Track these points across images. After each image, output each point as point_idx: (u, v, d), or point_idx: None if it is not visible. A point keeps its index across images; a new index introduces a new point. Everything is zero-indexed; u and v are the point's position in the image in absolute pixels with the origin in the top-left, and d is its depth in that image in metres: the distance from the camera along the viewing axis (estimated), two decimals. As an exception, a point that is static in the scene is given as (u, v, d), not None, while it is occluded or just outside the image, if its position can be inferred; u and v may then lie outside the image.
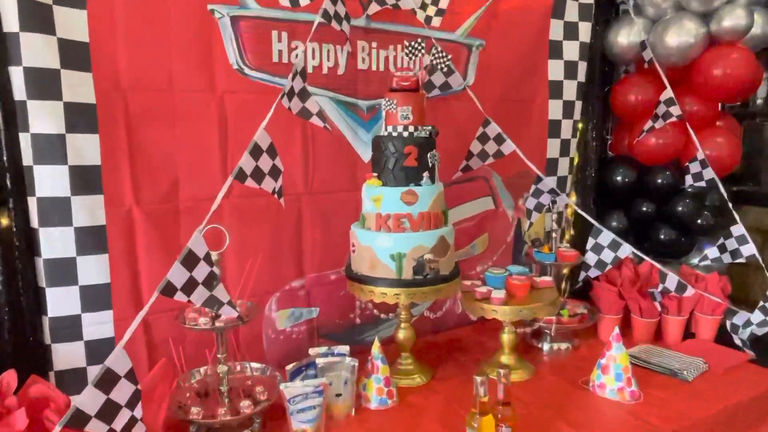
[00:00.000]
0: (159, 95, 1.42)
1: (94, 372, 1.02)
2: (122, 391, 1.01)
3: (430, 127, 1.47)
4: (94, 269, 1.37)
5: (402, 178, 1.44)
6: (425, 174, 1.43)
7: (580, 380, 1.56)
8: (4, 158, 1.23)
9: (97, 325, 1.40)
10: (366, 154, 1.73)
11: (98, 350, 1.39)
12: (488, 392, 1.11)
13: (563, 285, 2.12)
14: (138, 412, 1.05)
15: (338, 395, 1.40)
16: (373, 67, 1.72)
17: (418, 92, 1.47)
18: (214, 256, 1.19)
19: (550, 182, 1.90)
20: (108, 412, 0.98)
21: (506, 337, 1.63)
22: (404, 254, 1.42)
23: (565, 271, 2.02)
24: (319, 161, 1.67)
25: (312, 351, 1.49)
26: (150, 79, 1.40)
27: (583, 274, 1.89)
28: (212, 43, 1.46)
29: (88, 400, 0.94)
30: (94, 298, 1.38)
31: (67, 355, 1.38)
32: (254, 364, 1.48)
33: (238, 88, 1.52)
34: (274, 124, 1.25)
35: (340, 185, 1.72)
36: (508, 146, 1.75)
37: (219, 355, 1.33)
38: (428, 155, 1.43)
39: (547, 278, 1.72)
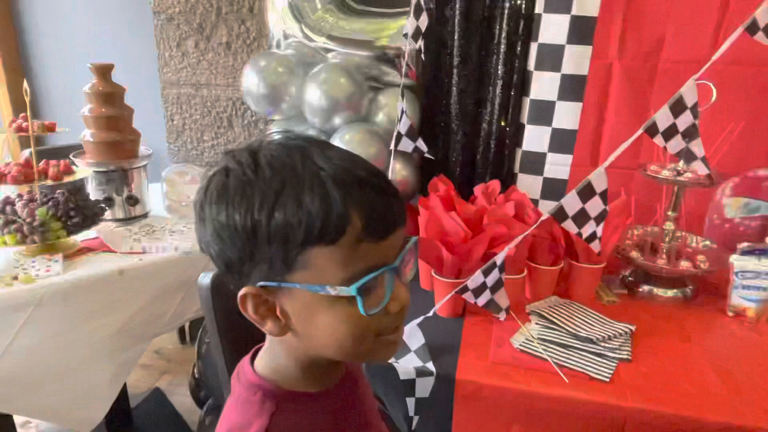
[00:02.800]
0: None
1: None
2: (594, 205, 1.27)
3: None
4: (567, 115, 1.62)
5: None
6: None
7: None
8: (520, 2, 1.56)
9: (558, 165, 1.70)
10: None
11: (552, 187, 1.71)
12: None
13: None
14: (600, 228, 1.31)
15: None
16: None
17: None
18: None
19: None
20: (581, 217, 1.26)
21: None
22: None
23: None
24: None
25: None
26: None
27: None
28: None
29: (570, 202, 1.24)
30: (561, 141, 1.67)
31: (526, 186, 1.71)
32: (699, 237, 1.54)
33: None
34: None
35: None
36: None
37: (669, 213, 1.45)
38: None
39: None
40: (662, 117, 1.23)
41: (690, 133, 1.26)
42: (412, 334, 1.24)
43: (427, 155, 1.54)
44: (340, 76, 1.71)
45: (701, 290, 1.48)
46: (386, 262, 0.54)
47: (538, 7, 1.48)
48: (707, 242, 1.54)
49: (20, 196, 1.50)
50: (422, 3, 1.45)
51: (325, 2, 1.86)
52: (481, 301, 1.29)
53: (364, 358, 0.69)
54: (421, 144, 1.49)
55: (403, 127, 1.46)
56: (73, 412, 1.53)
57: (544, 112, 1.62)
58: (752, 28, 1.18)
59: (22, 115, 1.50)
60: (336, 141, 1.74)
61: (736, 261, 1.34)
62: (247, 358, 0.69)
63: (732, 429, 0.99)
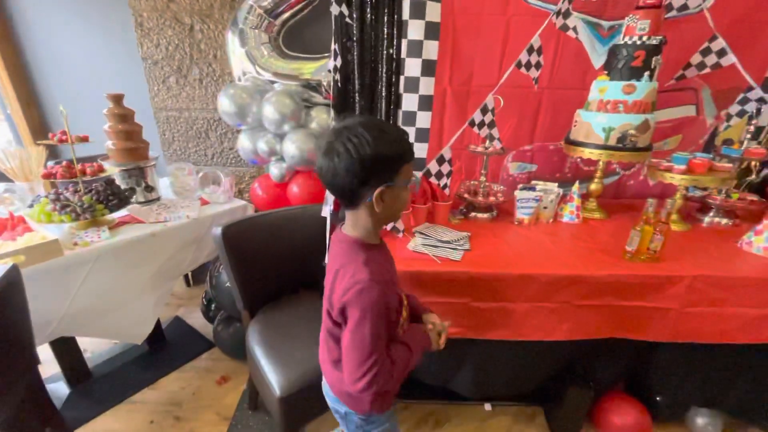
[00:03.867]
0: (473, 17, 1.57)
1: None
2: (445, 168, 1.41)
3: (661, 37, 1.34)
4: (423, 119, 1.71)
5: (627, 75, 1.37)
6: (646, 73, 1.34)
7: (732, 240, 1.35)
8: (392, 53, 1.64)
9: (420, 150, 1.78)
10: (597, 62, 1.64)
11: (418, 163, 1.82)
12: (654, 212, 1.19)
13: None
14: (449, 181, 1.44)
15: (545, 207, 1.54)
16: (623, -7, 1.52)
17: (660, 9, 1.32)
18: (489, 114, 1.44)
19: (760, 91, 1.52)
20: (438, 175, 1.38)
21: (676, 202, 1.47)
22: (614, 128, 1.39)
23: (752, 165, 1.57)
24: (562, 65, 1.65)
25: (534, 182, 1.63)
26: (471, 6, 1.56)
27: (765, 171, 1.56)
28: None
29: (432, 167, 1.36)
30: (421, 135, 1.75)
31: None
32: (496, 184, 1.72)
33: (521, 12, 1.56)
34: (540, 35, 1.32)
35: (572, 84, 1.67)
36: (728, 60, 1.48)
37: (482, 171, 1.60)
38: (653, 59, 1.33)
39: (727, 164, 1.43)
40: (477, 116, 1.41)
41: (491, 125, 1.45)
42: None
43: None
44: (285, 98, 1.70)
45: (501, 213, 1.63)
46: None
47: (403, 54, 1.56)
48: (502, 187, 1.67)
49: (66, 188, 1.37)
50: (337, 50, 1.48)
51: (269, 50, 1.82)
52: (389, 227, 1.39)
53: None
54: (343, 139, 1.55)
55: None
56: (128, 330, 1.47)
57: (410, 119, 1.69)
58: (518, 64, 1.36)
59: (60, 130, 1.35)
60: (287, 141, 1.75)
61: (518, 193, 1.50)
62: (340, 230, 0.81)
63: (524, 277, 1.15)
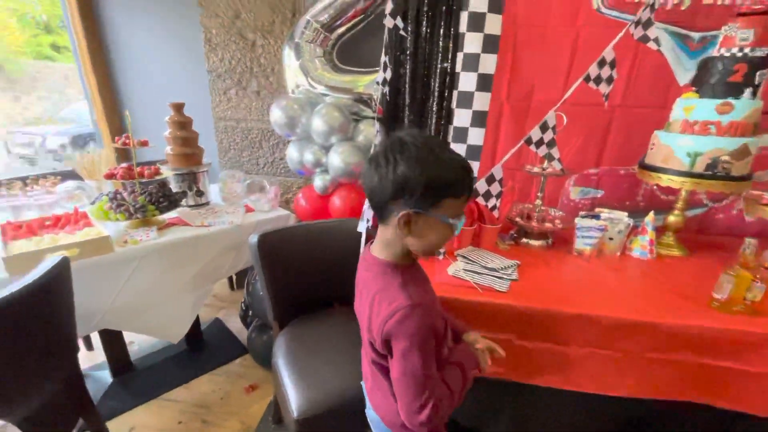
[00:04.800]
0: (537, 29, 1.50)
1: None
2: (494, 188, 1.31)
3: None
4: (476, 136, 1.65)
5: (721, 92, 1.20)
6: (748, 90, 1.16)
7: None
8: (447, 66, 1.59)
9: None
10: (683, 78, 1.46)
11: None
12: (754, 254, 1.00)
13: None
14: (499, 203, 1.35)
15: (611, 239, 1.39)
16: (719, 2, 1.36)
17: (766, 15, 1.14)
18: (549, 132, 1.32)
19: None
20: (487, 196, 1.30)
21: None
22: (702, 153, 1.21)
23: None
24: (639, 80, 1.50)
25: (598, 209, 1.48)
26: (535, 18, 1.48)
27: None
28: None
29: (481, 186, 1.28)
30: (472, 152, 1.70)
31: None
32: (554, 209, 1.59)
33: (592, 22, 1.45)
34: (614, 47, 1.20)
35: (651, 101, 1.51)
36: None
37: (539, 194, 1.50)
38: (758, 73, 1.15)
39: None
40: (535, 134, 1.30)
41: (551, 144, 1.33)
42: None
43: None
44: (334, 111, 1.72)
45: (557, 241, 1.50)
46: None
47: (458, 67, 1.51)
48: (560, 212, 1.56)
49: (125, 188, 1.47)
50: (387, 63, 1.47)
51: (322, 64, 1.87)
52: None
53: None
54: (388, 153, 1.52)
55: (378, 142, 1.48)
56: (167, 328, 1.52)
57: (461, 135, 1.63)
58: (587, 78, 1.24)
59: (125, 135, 1.46)
60: (333, 153, 1.76)
61: (579, 221, 1.37)
62: (369, 252, 0.77)
63: (582, 317, 1.02)
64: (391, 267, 0.72)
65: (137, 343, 2.00)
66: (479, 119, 1.59)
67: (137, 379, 1.76)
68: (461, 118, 1.58)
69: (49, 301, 0.98)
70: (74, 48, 2.47)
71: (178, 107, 1.68)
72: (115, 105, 2.65)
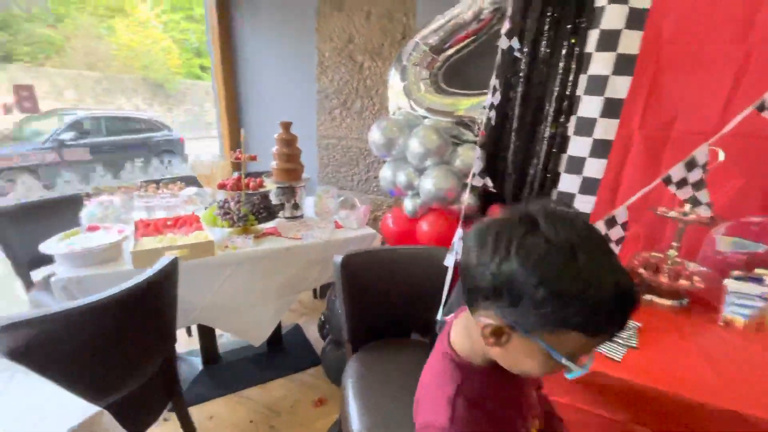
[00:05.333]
0: (689, 46, 1.26)
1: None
2: (616, 232, 1.13)
3: None
4: (594, 167, 1.46)
5: None
6: None
7: None
8: (566, 90, 1.43)
9: (585, 203, 1.52)
10: None
11: None
12: None
13: None
14: (618, 249, 1.15)
15: None
16: None
17: None
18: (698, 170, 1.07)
19: None
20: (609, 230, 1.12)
21: None
22: None
23: None
24: None
25: (760, 270, 1.17)
26: (688, 33, 1.25)
27: None
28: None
29: (597, 227, 1.10)
30: (588, 185, 1.49)
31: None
32: (692, 263, 1.31)
33: None
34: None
35: None
36: None
37: (674, 243, 1.25)
38: None
39: None
40: (676, 171, 1.07)
41: (698, 185, 1.08)
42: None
43: (490, 189, 1.45)
44: (432, 133, 1.67)
45: (695, 304, 1.24)
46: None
47: (579, 90, 1.35)
48: (702, 268, 1.29)
49: (233, 198, 1.60)
50: (497, 86, 1.37)
51: (426, 86, 1.84)
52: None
53: None
54: (488, 181, 1.41)
55: (477, 168, 1.38)
56: (251, 331, 1.60)
57: (576, 165, 1.45)
58: (761, 107, 0.99)
59: (238, 149, 1.60)
60: (426, 176, 1.70)
61: (731, 284, 1.11)
62: (446, 335, 0.60)
63: (728, 414, 0.80)
64: (455, 363, 0.56)
65: (225, 336, 2.16)
66: (601, 149, 1.40)
67: (222, 372, 1.89)
68: (578, 146, 1.41)
69: (159, 294, 1.09)
70: (212, 68, 2.87)
71: (287, 126, 1.80)
72: (236, 120, 3.00)
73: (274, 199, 1.81)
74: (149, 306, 1.06)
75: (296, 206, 1.87)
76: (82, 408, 0.73)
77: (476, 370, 0.56)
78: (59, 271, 1.24)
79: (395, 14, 2.10)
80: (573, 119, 1.39)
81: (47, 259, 1.39)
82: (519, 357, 0.49)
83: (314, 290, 2.71)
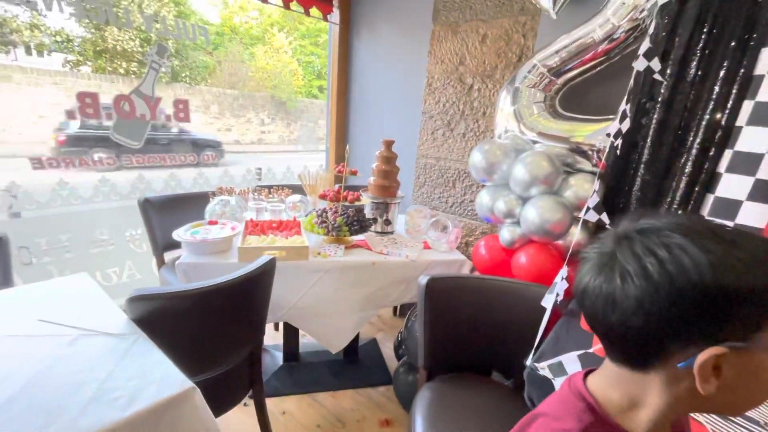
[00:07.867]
0: None
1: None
2: None
3: None
4: (753, 215, 1.16)
5: None
6: None
7: None
8: (721, 118, 1.19)
9: None
10: None
11: None
12: None
13: None
14: None
15: None
16: None
17: None
18: None
19: None
20: None
21: None
22: None
23: None
24: None
25: None
26: None
27: None
28: None
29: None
30: None
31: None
32: None
33: None
34: None
35: None
36: None
37: None
38: None
39: None
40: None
41: None
42: (572, 362, 1.01)
43: (607, 227, 1.27)
44: (542, 160, 1.54)
45: None
46: None
47: (741, 121, 1.12)
48: None
49: (331, 208, 1.69)
50: (627, 112, 1.22)
51: (540, 110, 1.73)
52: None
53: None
54: (604, 217, 1.24)
55: (592, 202, 1.23)
56: (330, 338, 1.65)
57: (728, 209, 1.20)
58: None
59: (341, 163, 1.69)
60: (530, 205, 1.57)
61: None
62: (581, 373, 0.52)
63: None
64: (587, 405, 0.46)
65: (308, 337, 2.26)
66: (765, 192, 1.14)
67: (300, 371, 1.98)
68: (733, 187, 1.18)
69: (256, 288, 1.19)
70: (329, 88, 3.14)
71: (389, 144, 1.86)
72: (343, 136, 3.22)
73: (367, 213, 1.86)
74: (247, 297, 1.17)
75: (388, 222, 1.90)
76: (180, 381, 0.81)
77: (615, 426, 0.45)
78: (183, 256, 1.45)
79: (513, 35, 2.04)
80: (727, 153, 1.16)
81: (177, 244, 1.64)
82: (744, 383, 0.40)
83: (395, 308, 2.69)
